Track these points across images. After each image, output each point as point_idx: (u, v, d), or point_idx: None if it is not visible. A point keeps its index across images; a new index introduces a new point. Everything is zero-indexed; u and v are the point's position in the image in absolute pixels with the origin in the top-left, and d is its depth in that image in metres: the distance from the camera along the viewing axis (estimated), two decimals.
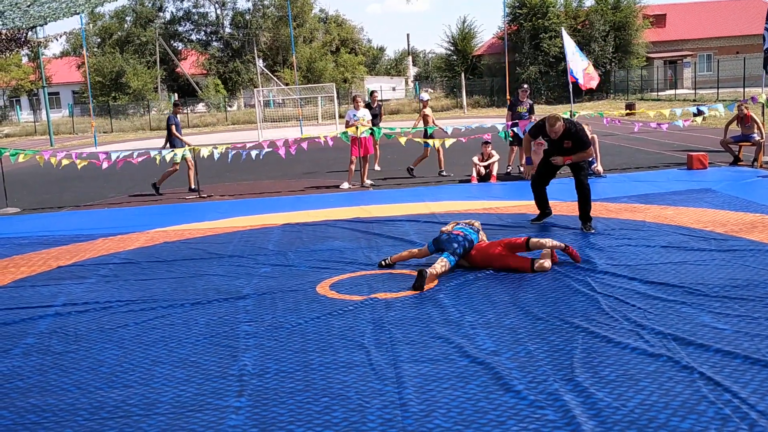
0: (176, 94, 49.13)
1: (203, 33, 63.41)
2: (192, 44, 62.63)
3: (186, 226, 9.46)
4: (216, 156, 12.85)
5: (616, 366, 4.01)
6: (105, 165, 12.67)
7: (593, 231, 7.57)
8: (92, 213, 11.48)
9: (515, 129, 12.37)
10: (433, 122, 13.60)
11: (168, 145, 13.31)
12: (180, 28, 63.33)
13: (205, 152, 12.66)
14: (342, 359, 4.37)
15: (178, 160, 12.78)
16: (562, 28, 14.67)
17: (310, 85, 44.14)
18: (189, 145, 13.08)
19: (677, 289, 5.35)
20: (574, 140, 7.72)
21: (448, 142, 12.94)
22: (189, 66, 61.00)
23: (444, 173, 13.20)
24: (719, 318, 4.70)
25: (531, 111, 12.93)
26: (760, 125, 12.14)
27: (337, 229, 8.64)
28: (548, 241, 6.37)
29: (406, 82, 69.75)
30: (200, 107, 55.98)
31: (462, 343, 4.51)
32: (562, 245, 6.39)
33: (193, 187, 13.16)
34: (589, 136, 11.88)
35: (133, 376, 4.31)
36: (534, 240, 6.32)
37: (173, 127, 13.19)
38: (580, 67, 12.36)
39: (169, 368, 4.40)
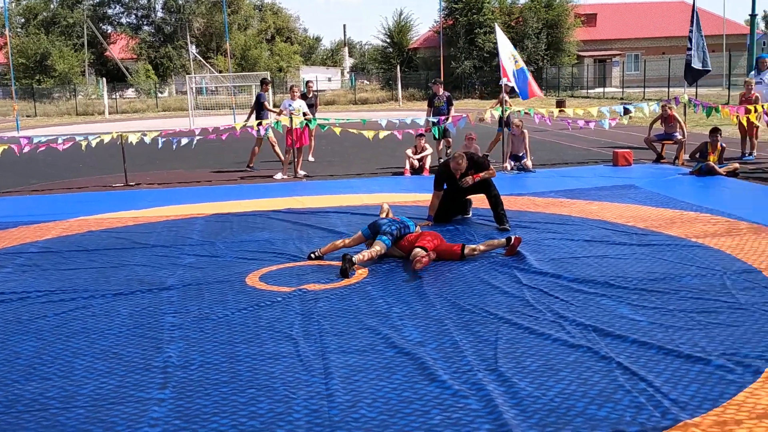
0: (104, 79, 47.63)
1: (134, 16, 61.60)
2: (122, 28, 60.77)
3: (111, 214, 9.22)
4: (147, 142, 12.54)
5: (537, 356, 4.11)
6: (26, 149, 12.21)
7: (509, 228, 7.68)
8: (12, 200, 11.06)
9: (448, 125, 12.52)
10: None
11: (253, 119, 13.46)
12: (109, 11, 61.33)
13: (133, 139, 12.34)
14: (269, 350, 4.34)
15: (271, 135, 13.15)
16: (496, 25, 14.87)
17: (244, 73, 43.56)
18: (277, 119, 13.07)
19: (598, 282, 5.52)
20: (476, 166, 7.98)
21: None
22: (118, 50, 59.23)
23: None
24: (636, 310, 4.87)
25: (450, 103, 13.16)
26: (682, 125, 12.59)
27: (268, 219, 8.57)
28: (484, 246, 6.51)
29: (342, 73, 69.52)
30: (130, 93, 54.47)
31: (389, 333, 4.54)
32: (503, 242, 6.53)
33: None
34: (519, 132, 12.15)
35: (52, 368, 4.18)
36: (469, 248, 6.43)
37: (266, 103, 13.71)
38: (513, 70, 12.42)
39: (89, 360, 4.28)
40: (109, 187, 12.08)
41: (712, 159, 11.00)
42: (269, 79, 15.37)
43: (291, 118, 12.42)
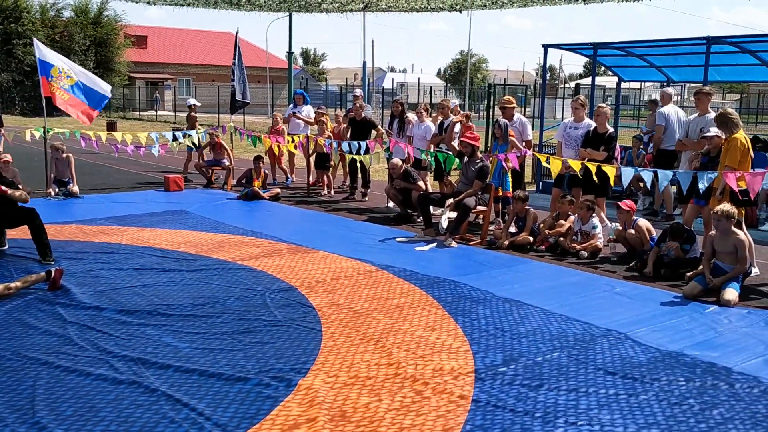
0: None
1: None
2: None
3: None
4: None
5: (77, 398, 3.88)
6: None
7: (54, 260, 7.06)
8: None
9: None
10: None
11: None
12: None
13: None
14: None
15: None
16: (35, 38, 13.75)
17: None
18: None
19: (145, 312, 5.46)
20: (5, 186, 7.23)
21: None
22: None
23: None
24: (180, 336, 4.94)
25: (0, 124, 12.11)
26: (229, 152, 13.28)
27: None
28: (21, 282, 5.92)
29: None
30: None
31: None
32: (43, 275, 6.00)
33: None
34: (63, 155, 11.46)
35: None
36: (3, 286, 5.79)
37: None
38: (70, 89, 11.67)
39: None
40: None
41: (257, 184, 11.81)
42: None
43: None
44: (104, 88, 12.07)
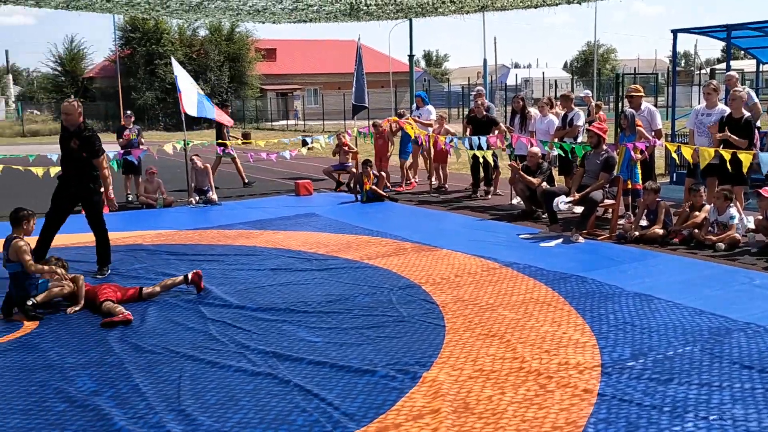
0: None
1: None
2: None
3: None
4: None
5: (219, 389, 4.18)
6: None
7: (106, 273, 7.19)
8: None
9: (128, 158, 12.11)
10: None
11: None
12: None
13: None
14: None
15: None
16: (172, 58, 14.74)
17: None
18: None
19: (280, 309, 5.76)
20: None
21: None
22: None
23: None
24: (314, 331, 5.18)
25: (140, 134, 13.08)
26: (355, 154, 13.62)
27: None
28: (162, 285, 6.39)
29: (7, 103, 63.04)
30: None
31: (61, 386, 4.26)
32: (181, 279, 6.44)
33: None
34: (202, 166, 12.17)
35: None
36: (147, 290, 6.26)
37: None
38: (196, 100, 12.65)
39: None
40: None
41: (367, 187, 11.84)
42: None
43: None
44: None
